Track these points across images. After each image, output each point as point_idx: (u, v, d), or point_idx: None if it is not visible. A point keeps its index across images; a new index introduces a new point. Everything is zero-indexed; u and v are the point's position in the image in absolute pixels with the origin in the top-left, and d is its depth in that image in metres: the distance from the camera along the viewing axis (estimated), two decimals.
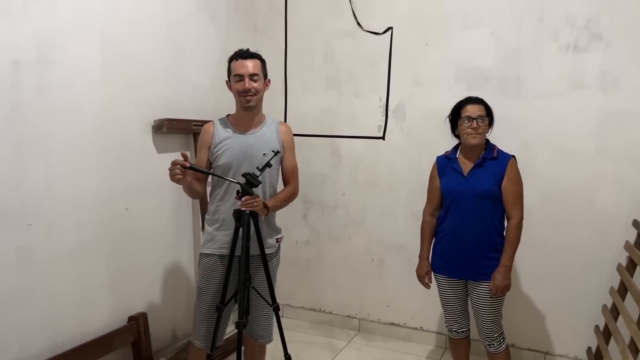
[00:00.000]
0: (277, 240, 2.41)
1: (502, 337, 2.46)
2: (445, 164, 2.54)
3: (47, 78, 2.16)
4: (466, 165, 2.44)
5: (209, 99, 3.07)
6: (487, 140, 2.46)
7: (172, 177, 2.09)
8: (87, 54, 2.35)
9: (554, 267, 3.00)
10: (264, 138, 2.32)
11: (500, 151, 2.43)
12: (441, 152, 3.13)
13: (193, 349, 2.38)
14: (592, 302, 2.91)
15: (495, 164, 2.39)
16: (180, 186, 2.27)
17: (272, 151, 2.22)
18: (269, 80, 2.36)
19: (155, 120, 2.74)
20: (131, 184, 2.64)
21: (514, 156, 2.43)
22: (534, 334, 3.08)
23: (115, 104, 2.51)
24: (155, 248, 2.86)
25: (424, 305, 3.33)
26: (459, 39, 3.11)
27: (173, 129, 2.77)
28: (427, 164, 3.23)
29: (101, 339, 2.48)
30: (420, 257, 2.60)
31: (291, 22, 3.56)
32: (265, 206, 2.23)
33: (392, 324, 3.47)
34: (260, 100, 2.32)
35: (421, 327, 3.39)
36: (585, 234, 2.91)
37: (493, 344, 2.44)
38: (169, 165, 2.10)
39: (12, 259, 2.08)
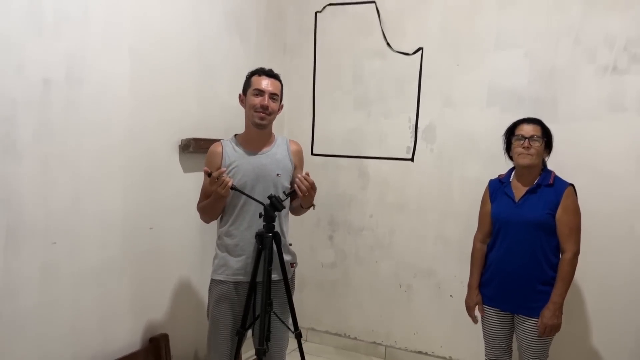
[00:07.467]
0: (292, 266, 2.35)
1: None
2: (497, 188, 2.43)
3: (76, 96, 2.17)
4: (519, 191, 2.33)
5: (237, 118, 3.04)
6: (545, 166, 2.36)
7: (224, 186, 2.05)
8: (117, 72, 2.36)
9: (592, 296, 2.86)
10: (276, 157, 2.28)
11: (557, 178, 2.31)
12: (472, 175, 3.07)
13: None
14: (633, 334, 2.75)
15: (550, 191, 2.26)
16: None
17: (289, 187, 2.20)
18: (283, 105, 2.36)
19: (182, 140, 2.74)
20: (157, 202, 2.64)
21: (572, 185, 2.30)
22: None
23: (143, 123, 2.52)
24: (179, 268, 2.83)
25: (454, 333, 3.22)
26: (492, 59, 3.03)
27: (199, 149, 2.76)
28: (458, 187, 3.18)
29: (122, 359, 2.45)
30: (469, 286, 2.50)
31: (320, 42, 3.55)
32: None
33: (420, 352, 3.35)
34: (272, 121, 2.30)
35: (450, 357, 3.27)
36: (625, 262, 2.77)
37: None
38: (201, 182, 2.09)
39: (35, 277, 2.07)
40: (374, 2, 3.35)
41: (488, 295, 2.42)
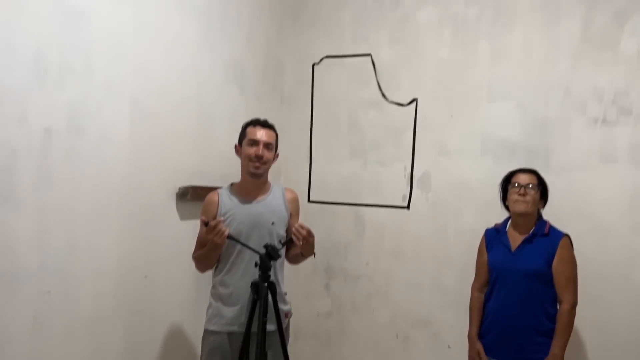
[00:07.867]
0: (287, 315, 2.33)
1: None
2: (493, 237, 2.45)
3: (76, 146, 2.20)
4: (515, 240, 2.34)
5: (235, 167, 3.08)
6: (540, 216, 2.38)
7: (220, 235, 2.07)
8: (117, 122, 2.40)
9: (592, 347, 2.81)
10: (272, 206, 2.31)
11: (552, 228, 2.33)
12: (468, 224, 3.08)
13: None
14: None
15: (546, 241, 2.28)
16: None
17: (284, 236, 2.25)
18: (278, 155, 2.40)
19: (179, 187, 2.75)
20: (152, 251, 2.63)
21: (567, 235, 2.31)
22: None
23: (142, 171, 2.54)
24: (173, 318, 2.79)
25: None
26: (485, 110, 3.10)
27: (197, 196, 2.77)
28: (454, 235, 3.18)
29: None
30: (468, 337, 2.47)
31: (317, 92, 3.63)
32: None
33: None
34: (267, 170, 2.33)
35: None
36: (622, 313, 2.75)
37: None
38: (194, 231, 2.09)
39: (27, 328, 2.04)
40: (369, 54, 3.45)
41: (487, 346, 2.39)
